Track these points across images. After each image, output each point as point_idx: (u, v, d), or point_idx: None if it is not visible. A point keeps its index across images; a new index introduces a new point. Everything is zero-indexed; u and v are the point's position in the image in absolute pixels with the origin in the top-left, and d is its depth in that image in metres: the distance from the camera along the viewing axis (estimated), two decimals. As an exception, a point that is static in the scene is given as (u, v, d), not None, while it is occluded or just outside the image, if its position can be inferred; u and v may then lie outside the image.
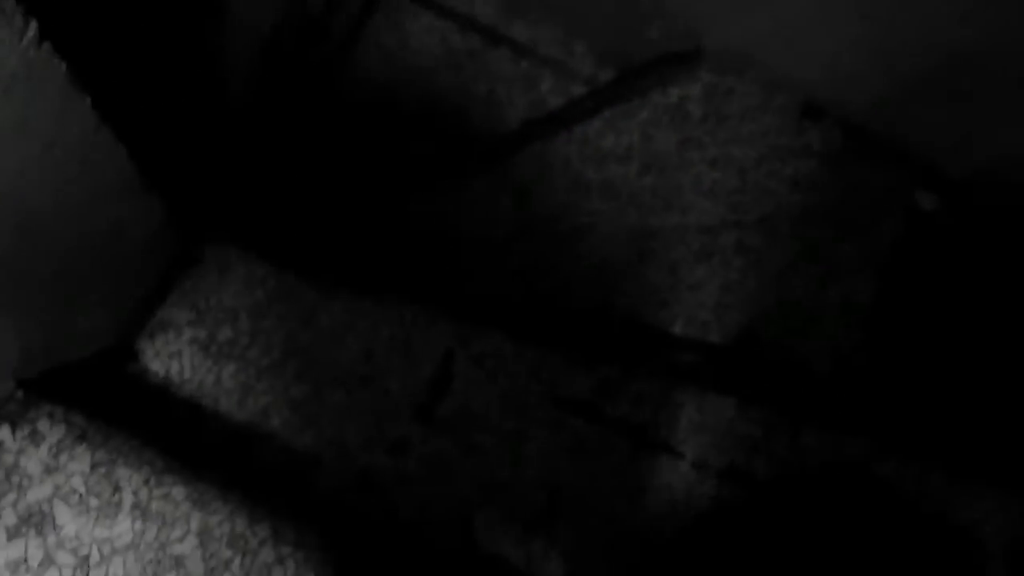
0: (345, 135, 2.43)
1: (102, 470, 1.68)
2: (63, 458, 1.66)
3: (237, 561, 1.65)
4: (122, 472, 1.69)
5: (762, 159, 2.50)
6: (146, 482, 1.70)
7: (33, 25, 1.25)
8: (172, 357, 2.04)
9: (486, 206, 2.38)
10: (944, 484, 2.19)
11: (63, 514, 1.60)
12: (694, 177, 2.49)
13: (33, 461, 1.64)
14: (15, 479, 1.62)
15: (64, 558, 1.56)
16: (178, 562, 1.62)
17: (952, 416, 2.32)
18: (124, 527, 1.63)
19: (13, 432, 1.66)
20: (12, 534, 1.56)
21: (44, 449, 1.66)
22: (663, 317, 2.36)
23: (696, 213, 2.48)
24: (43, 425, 1.68)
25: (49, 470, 1.64)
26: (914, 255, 2.49)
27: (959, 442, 2.28)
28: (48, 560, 1.55)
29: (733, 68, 2.47)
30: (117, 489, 1.67)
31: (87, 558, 1.56)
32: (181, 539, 1.65)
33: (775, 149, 2.52)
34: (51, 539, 1.57)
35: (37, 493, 1.62)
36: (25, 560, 1.54)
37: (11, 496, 1.60)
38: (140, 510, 1.66)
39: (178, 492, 1.70)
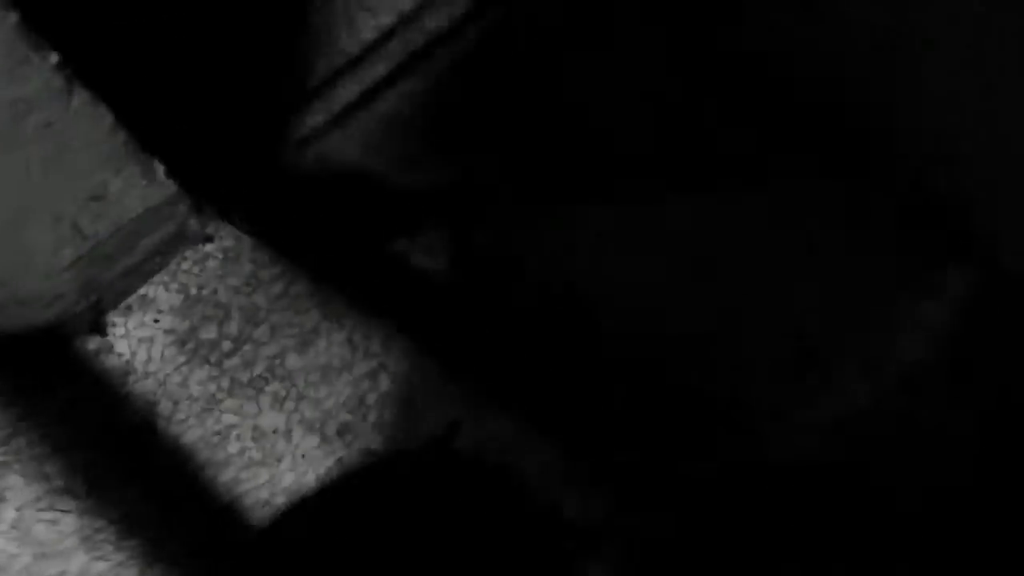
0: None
1: (-10, 472, 1.41)
2: (-50, 446, 1.40)
3: (105, 628, 1.36)
4: (13, 481, 1.42)
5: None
6: (36, 500, 1.42)
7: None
8: (143, 342, 1.77)
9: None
10: None
11: (-73, 514, 1.34)
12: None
13: (-85, 441, 1.39)
14: None
15: (-91, 568, 1.29)
16: (38, 608, 1.33)
17: None
18: (-9, 548, 1.35)
19: (-97, 401, 1.41)
20: None
21: (-68, 430, 1.40)
22: (755, 423, 1.93)
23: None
24: (-59, 401, 1.42)
25: (-71, 457, 1.38)
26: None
27: None
28: None
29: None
30: (2, 499, 1.40)
31: (-65, 575, 1.30)
32: (52, 581, 1.36)
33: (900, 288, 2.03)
34: (-98, 540, 1.31)
35: (-93, 480, 1.36)
36: None
37: None
38: (19, 531, 1.38)
39: (68, 523, 1.42)
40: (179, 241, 1.80)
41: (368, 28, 2.64)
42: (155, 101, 1.89)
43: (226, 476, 1.74)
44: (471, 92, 2.55)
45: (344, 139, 2.47)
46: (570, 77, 2.60)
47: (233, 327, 1.80)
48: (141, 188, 1.58)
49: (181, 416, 1.75)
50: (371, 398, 1.81)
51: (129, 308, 1.78)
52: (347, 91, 2.53)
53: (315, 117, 2.49)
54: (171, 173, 1.65)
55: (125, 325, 1.77)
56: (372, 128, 2.49)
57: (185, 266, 1.80)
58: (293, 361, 1.81)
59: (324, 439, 1.78)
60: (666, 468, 1.86)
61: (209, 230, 1.82)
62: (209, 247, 1.82)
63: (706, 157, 2.39)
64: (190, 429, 1.75)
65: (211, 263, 1.81)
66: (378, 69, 2.55)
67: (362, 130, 2.47)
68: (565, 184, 2.48)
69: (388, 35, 2.64)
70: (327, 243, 2.00)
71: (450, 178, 2.47)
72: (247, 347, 1.80)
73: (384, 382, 1.82)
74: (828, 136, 2.18)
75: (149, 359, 1.76)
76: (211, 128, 2.08)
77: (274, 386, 1.79)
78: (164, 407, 1.75)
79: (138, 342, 1.77)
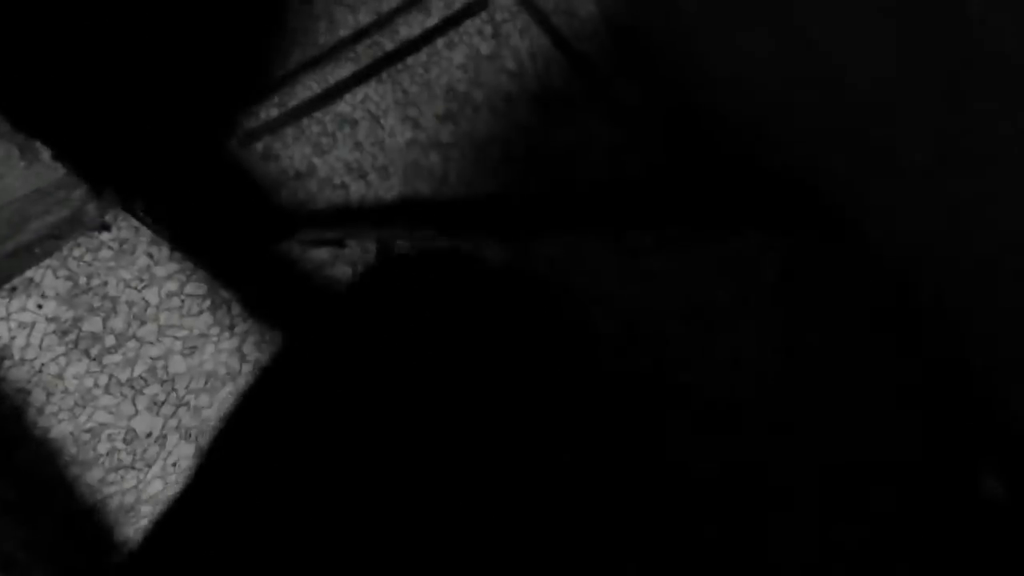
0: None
1: None
2: None
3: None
4: None
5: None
6: None
7: None
8: (23, 327, 1.69)
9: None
10: None
11: None
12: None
13: None
14: None
15: None
16: None
17: None
18: None
19: None
20: None
21: None
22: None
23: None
24: None
25: None
26: (969, 555, 1.84)
27: None
28: None
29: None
30: None
31: None
32: None
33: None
34: None
35: None
36: None
37: None
38: None
39: None
40: (73, 226, 1.72)
41: (346, 25, 2.56)
42: (56, 77, 1.82)
43: (92, 477, 1.66)
44: (431, 105, 2.46)
45: (296, 136, 2.39)
46: (530, 104, 2.51)
47: (119, 322, 1.72)
48: (20, 169, 1.50)
49: (53, 408, 1.68)
50: (252, 413, 1.72)
51: (13, 290, 1.70)
52: (308, 87, 2.45)
53: (269, 110, 2.41)
54: (62, 156, 1.57)
55: (6, 307, 1.69)
56: (327, 129, 2.41)
57: (77, 253, 1.73)
58: (177, 365, 1.73)
59: (199, 449, 1.69)
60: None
61: (107, 218, 1.74)
62: (105, 236, 1.74)
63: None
64: (61, 423, 1.67)
65: (105, 253, 1.73)
66: (345, 68, 2.47)
67: (316, 130, 2.39)
68: (510, 212, 2.39)
69: (361, 35, 2.56)
70: (238, 243, 1.92)
71: (398, 191, 2.38)
72: (131, 344, 1.72)
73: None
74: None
75: (27, 345, 1.69)
76: (136, 111, 2.01)
77: (154, 388, 1.71)
78: (36, 397, 1.67)
79: (17, 326, 1.69)
